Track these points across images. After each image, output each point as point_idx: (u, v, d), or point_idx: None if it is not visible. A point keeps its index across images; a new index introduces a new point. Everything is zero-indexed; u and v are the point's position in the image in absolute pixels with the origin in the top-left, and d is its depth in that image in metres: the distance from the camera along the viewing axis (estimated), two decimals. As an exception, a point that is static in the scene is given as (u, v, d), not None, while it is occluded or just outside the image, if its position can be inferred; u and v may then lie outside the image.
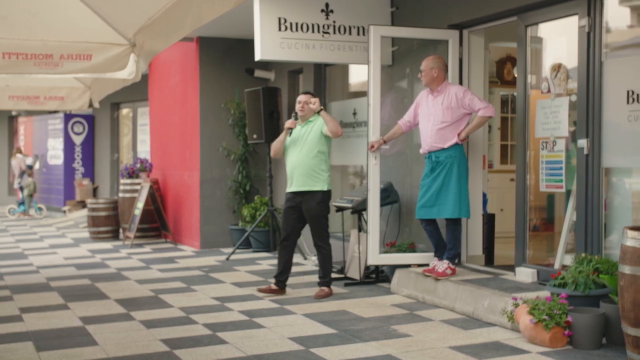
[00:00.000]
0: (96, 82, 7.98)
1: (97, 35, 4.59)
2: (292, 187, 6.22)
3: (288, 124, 6.26)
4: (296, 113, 6.26)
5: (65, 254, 9.50)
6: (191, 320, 5.47)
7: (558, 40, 5.86)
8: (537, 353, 4.39)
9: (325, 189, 6.18)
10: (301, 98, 6.27)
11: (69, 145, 15.63)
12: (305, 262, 8.35)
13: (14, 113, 18.81)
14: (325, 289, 6.26)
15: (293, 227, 6.29)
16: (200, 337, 4.93)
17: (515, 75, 6.10)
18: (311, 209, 6.15)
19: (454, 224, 6.03)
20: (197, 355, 4.49)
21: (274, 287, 6.31)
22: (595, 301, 4.61)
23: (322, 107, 6.26)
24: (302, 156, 6.14)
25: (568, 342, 4.50)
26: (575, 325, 4.43)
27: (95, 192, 15.35)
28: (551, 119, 5.56)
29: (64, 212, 15.03)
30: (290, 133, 6.23)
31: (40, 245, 10.48)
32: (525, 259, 5.82)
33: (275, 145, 6.38)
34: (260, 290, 6.31)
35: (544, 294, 4.83)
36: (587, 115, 5.19)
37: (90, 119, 15.78)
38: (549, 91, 5.61)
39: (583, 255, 4.94)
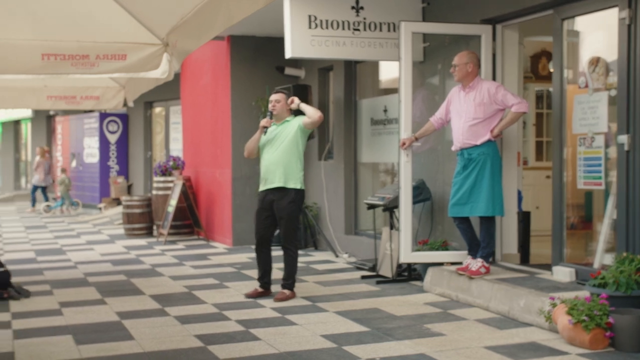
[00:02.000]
0: (130, 81, 8.05)
1: (132, 36, 4.63)
2: (266, 185, 6.10)
3: (263, 122, 6.13)
4: (270, 112, 6.16)
5: (102, 250, 9.66)
6: (224, 316, 5.50)
7: (596, 33, 5.73)
8: (577, 355, 4.31)
9: (298, 187, 6.04)
10: (272, 97, 6.18)
11: (104, 143, 15.87)
12: (337, 259, 8.34)
13: (51, 112, 19.18)
14: (286, 291, 6.09)
15: (265, 228, 6.14)
16: (233, 334, 4.96)
17: (551, 70, 5.99)
18: (282, 208, 6.02)
19: (488, 222, 5.95)
20: (230, 351, 4.51)
21: (259, 289, 6.23)
22: (638, 302, 4.49)
23: (300, 101, 6.19)
24: (278, 154, 6.03)
25: (609, 344, 4.39)
26: (617, 326, 4.32)
27: (129, 190, 15.56)
28: (589, 114, 5.45)
29: (100, 209, 15.27)
30: (265, 132, 6.13)
31: (77, 242, 10.67)
32: (562, 258, 5.72)
33: (249, 145, 6.24)
34: (247, 295, 6.19)
35: (583, 293, 4.73)
36: (628, 110, 5.07)
37: (124, 118, 16.00)
38: (586, 86, 5.50)
39: (624, 254, 4.82)
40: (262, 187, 6.16)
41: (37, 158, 17.03)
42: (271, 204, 6.08)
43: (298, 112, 6.28)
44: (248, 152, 6.29)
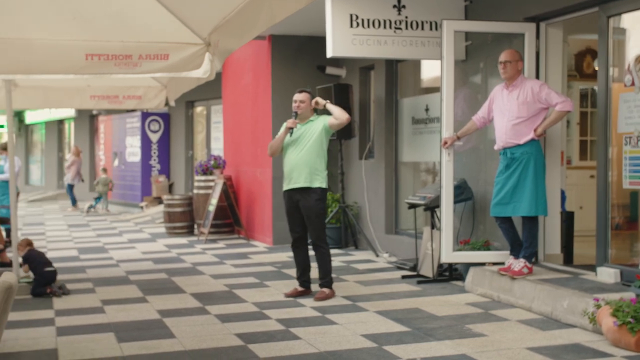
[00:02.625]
0: (172, 81, 8.16)
1: (174, 35, 4.68)
2: (290, 184, 6.11)
3: (289, 123, 6.10)
4: (295, 113, 6.12)
5: (143, 248, 9.81)
6: (264, 315, 5.53)
7: (643, 30, 5.60)
8: (622, 357, 4.22)
9: (323, 186, 6.07)
10: (297, 97, 6.14)
11: (145, 142, 16.10)
12: (378, 259, 8.31)
13: (94, 112, 19.56)
14: (325, 290, 6.10)
15: (300, 225, 6.17)
16: (273, 332, 4.98)
17: (596, 69, 5.87)
18: (310, 207, 6.04)
19: (531, 222, 5.87)
20: (270, 350, 4.54)
21: (299, 288, 6.24)
22: (685, 304, 4.38)
23: (327, 101, 6.17)
24: (303, 154, 6.03)
25: (655, 347, 4.30)
26: (663, 329, 4.23)
27: (170, 189, 15.77)
28: (635, 113, 5.33)
29: (141, 207, 15.51)
30: (291, 133, 6.10)
31: (119, 240, 10.86)
32: (607, 259, 5.60)
33: (274, 144, 6.24)
34: (287, 295, 6.20)
35: (629, 295, 4.64)
36: (675, 108, 4.94)
37: (165, 117, 16.21)
38: (632, 84, 5.38)
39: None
40: (286, 186, 6.19)
41: (72, 157, 17.38)
42: (298, 203, 6.11)
43: (321, 112, 6.27)
44: (272, 151, 6.32)
